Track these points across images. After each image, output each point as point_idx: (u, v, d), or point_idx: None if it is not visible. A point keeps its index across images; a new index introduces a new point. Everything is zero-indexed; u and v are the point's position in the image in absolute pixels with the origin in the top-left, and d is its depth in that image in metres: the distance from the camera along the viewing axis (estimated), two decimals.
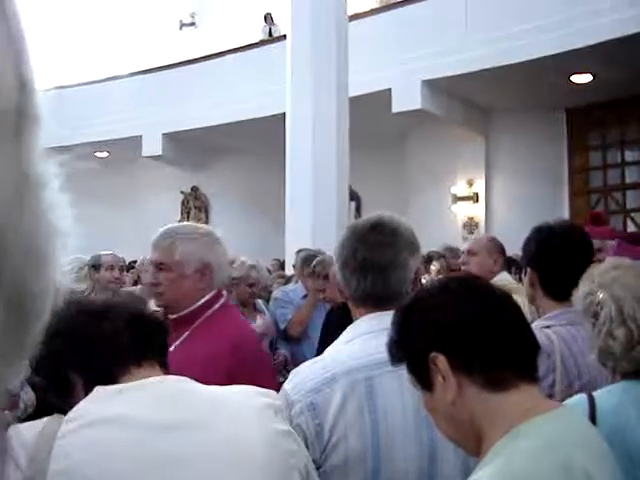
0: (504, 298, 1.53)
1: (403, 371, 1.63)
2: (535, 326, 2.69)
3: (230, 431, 1.49)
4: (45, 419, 1.45)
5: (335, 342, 2.12)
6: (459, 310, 1.47)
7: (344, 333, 2.10)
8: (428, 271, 6.27)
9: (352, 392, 1.87)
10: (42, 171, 0.36)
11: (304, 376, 1.95)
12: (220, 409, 1.53)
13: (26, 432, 1.41)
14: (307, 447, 1.82)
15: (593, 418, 1.92)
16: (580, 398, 2.03)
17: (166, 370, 1.64)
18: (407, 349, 1.54)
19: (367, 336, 1.99)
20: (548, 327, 2.63)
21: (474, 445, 1.45)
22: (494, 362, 1.43)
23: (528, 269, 2.77)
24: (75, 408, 1.47)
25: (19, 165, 0.34)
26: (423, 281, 2.83)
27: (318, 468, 1.86)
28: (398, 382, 1.86)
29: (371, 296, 2.06)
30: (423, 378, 1.49)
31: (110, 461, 1.38)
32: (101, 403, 1.48)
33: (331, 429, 1.85)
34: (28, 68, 0.36)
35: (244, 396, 1.61)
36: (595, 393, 2.03)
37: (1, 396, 0.38)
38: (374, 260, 2.04)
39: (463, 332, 1.44)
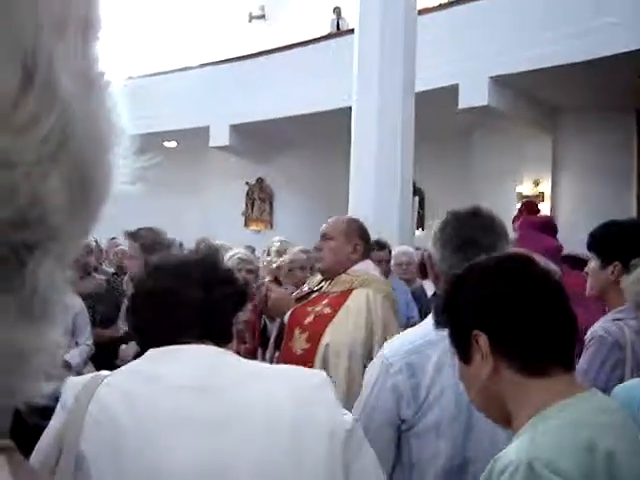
0: (555, 286, 1.54)
1: None
2: (607, 319, 2.70)
3: (261, 396, 1.55)
4: (96, 372, 1.62)
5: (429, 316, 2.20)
6: (508, 293, 1.49)
7: None
8: None
9: (447, 355, 1.93)
10: (105, 72, 0.42)
11: (401, 341, 2.09)
12: (253, 378, 1.60)
13: (77, 380, 1.57)
14: (402, 404, 1.97)
15: None
16: (634, 381, 2.04)
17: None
18: (453, 320, 1.58)
19: None
20: (620, 320, 2.65)
21: (501, 418, 1.51)
22: (534, 352, 1.46)
23: (616, 263, 2.75)
24: (122, 367, 1.64)
25: (87, 60, 0.40)
26: None
27: (410, 428, 1.99)
28: None
29: None
30: (463, 350, 1.54)
31: (144, 415, 1.47)
32: (147, 363, 1.61)
33: (428, 388, 1.95)
34: None
35: (284, 373, 1.68)
36: None
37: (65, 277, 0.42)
38: (477, 239, 2.13)
39: (508, 317, 1.47)
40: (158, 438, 1.45)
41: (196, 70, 15.81)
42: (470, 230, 2.15)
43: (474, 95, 11.05)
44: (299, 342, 3.22)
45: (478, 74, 10.94)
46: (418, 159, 8.70)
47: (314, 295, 3.54)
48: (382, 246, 5.70)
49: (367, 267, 3.55)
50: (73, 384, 1.54)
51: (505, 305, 1.48)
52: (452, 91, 11.06)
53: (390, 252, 5.82)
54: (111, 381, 1.54)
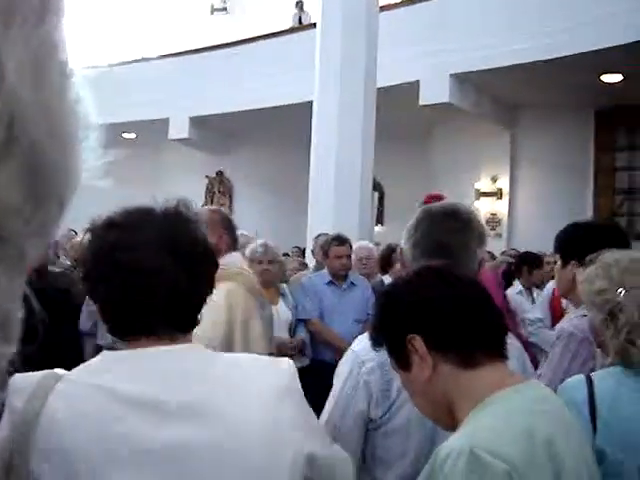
0: (472, 282, 1.64)
1: None
2: (574, 315, 2.74)
3: (228, 423, 1.40)
4: (44, 372, 1.42)
5: None
6: (432, 294, 1.56)
7: None
8: None
9: None
10: (65, 59, 0.38)
11: None
12: (224, 393, 1.43)
13: (24, 381, 1.38)
14: (371, 404, 1.96)
15: (592, 397, 2.00)
16: (579, 378, 2.07)
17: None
18: (386, 332, 1.62)
19: None
20: (586, 315, 2.66)
21: (448, 420, 1.54)
22: (465, 342, 1.52)
23: (572, 262, 2.79)
24: (77, 368, 1.46)
25: (37, 48, 0.36)
26: None
27: (378, 428, 1.98)
28: None
29: None
30: (401, 359, 1.58)
31: (96, 442, 1.34)
32: (101, 368, 1.44)
33: (399, 389, 1.91)
34: None
35: (258, 373, 1.51)
36: (593, 374, 2.10)
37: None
38: (445, 243, 2.10)
39: (437, 314, 1.54)
40: (110, 474, 1.32)
41: (156, 61, 15.65)
42: (443, 233, 2.13)
43: (435, 92, 11.11)
44: None
45: (439, 71, 11.00)
46: (378, 155, 8.72)
47: None
48: (343, 241, 5.72)
49: (235, 260, 3.46)
50: (22, 385, 1.37)
51: (434, 306, 1.55)
52: (413, 87, 11.11)
53: (351, 247, 5.83)
54: (64, 390, 1.38)
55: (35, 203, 0.35)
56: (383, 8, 9.74)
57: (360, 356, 1.99)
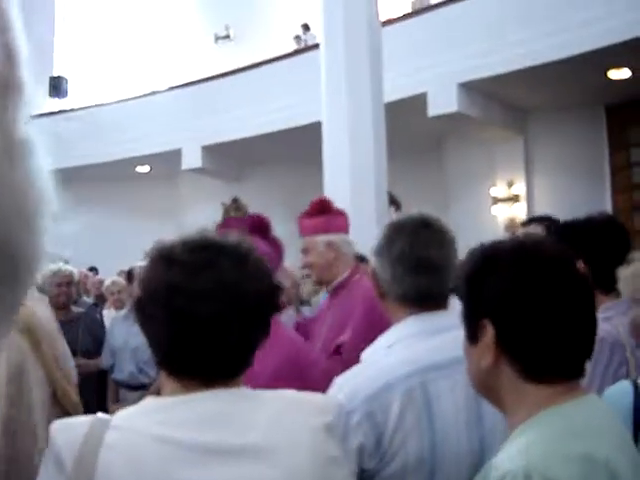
0: (588, 294, 1.44)
1: (455, 371, 1.67)
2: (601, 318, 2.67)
3: (282, 464, 1.36)
4: (90, 419, 1.36)
5: (373, 345, 2.06)
6: (528, 293, 1.38)
7: (383, 336, 2.04)
8: None
9: (409, 399, 1.84)
10: (28, 137, 0.36)
11: (356, 384, 1.88)
12: (274, 434, 1.39)
13: (68, 433, 1.33)
14: (364, 457, 1.81)
15: (637, 405, 1.91)
16: (624, 384, 2.01)
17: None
18: (469, 296, 1.49)
19: (413, 339, 1.95)
20: (609, 318, 2.57)
21: (498, 405, 1.46)
22: (539, 363, 1.39)
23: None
24: (122, 415, 1.39)
25: (5, 129, 0.34)
26: None
27: (372, 477, 1.84)
28: (450, 382, 1.87)
29: (425, 296, 2.00)
30: (471, 330, 1.47)
31: None
32: (151, 414, 1.38)
33: (391, 438, 1.81)
34: (14, 40, 0.36)
35: (302, 415, 1.46)
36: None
37: None
38: (432, 259, 1.98)
39: (524, 320, 1.38)
40: None
41: (164, 93, 15.78)
42: (423, 247, 2.00)
43: (443, 102, 11.08)
44: None
45: (446, 81, 10.99)
46: (392, 169, 8.71)
47: None
48: (363, 259, 5.70)
49: None
50: (68, 439, 1.30)
51: (526, 307, 1.38)
52: (421, 99, 11.11)
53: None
54: (117, 440, 1.31)
55: (3, 283, 0.33)
56: (385, 23, 9.76)
57: (345, 405, 1.76)
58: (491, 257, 1.48)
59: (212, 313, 1.36)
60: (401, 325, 2.02)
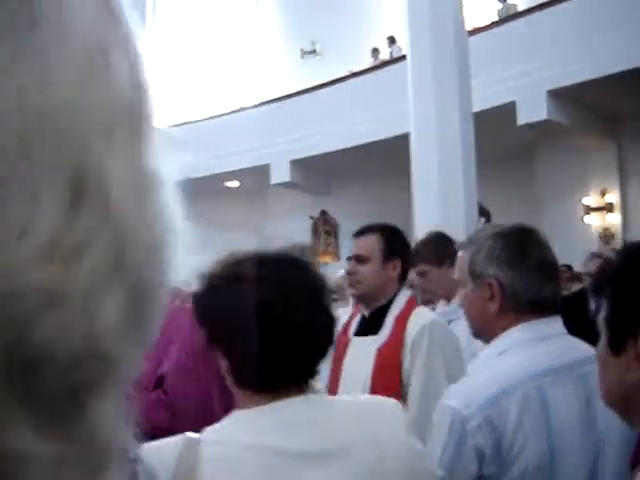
0: None
1: (567, 377, 1.66)
2: None
3: (372, 459, 1.40)
4: (180, 438, 1.38)
5: (484, 353, 2.07)
6: None
7: (492, 344, 2.03)
8: None
9: (527, 403, 1.84)
10: (158, 169, 0.36)
11: (471, 391, 1.88)
12: (363, 433, 1.43)
13: (164, 451, 1.33)
14: (484, 463, 1.81)
15: None
16: None
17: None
18: (618, 303, 1.29)
19: (525, 345, 1.95)
20: None
21: (632, 419, 1.34)
22: None
23: None
24: (211, 429, 1.41)
25: (136, 162, 0.35)
26: None
27: None
28: (564, 388, 1.88)
29: (551, 302, 2.00)
30: (617, 339, 1.28)
31: None
32: (242, 424, 1.41)
33: (510, 442, 1.81)
34: (141, 67, 0.36)
35: (383, 415, 1.51)
36: None
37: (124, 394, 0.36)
38: (551, 261, 2.00)
39: None
40: None
41: (253, 110, 16.03)
42: (551, 255, 2.01)
43: (532, 110, 10.94)
44: None
45: (534, 89, 10.83)
46: (481, 180, 8.63)
47: None
48: None
49: None
50: (161, 458, 1.27)
51: None
52: (509, 108, 10.98)
53: None
54: (213, 454, 1.33)
55: (136, 325, 0.34)
56: (471, 32, 9.71)
57: (461, 410, 1.80)
58: None
59: (303, 321, 1.42)
60: (513, 332, 2.00)
